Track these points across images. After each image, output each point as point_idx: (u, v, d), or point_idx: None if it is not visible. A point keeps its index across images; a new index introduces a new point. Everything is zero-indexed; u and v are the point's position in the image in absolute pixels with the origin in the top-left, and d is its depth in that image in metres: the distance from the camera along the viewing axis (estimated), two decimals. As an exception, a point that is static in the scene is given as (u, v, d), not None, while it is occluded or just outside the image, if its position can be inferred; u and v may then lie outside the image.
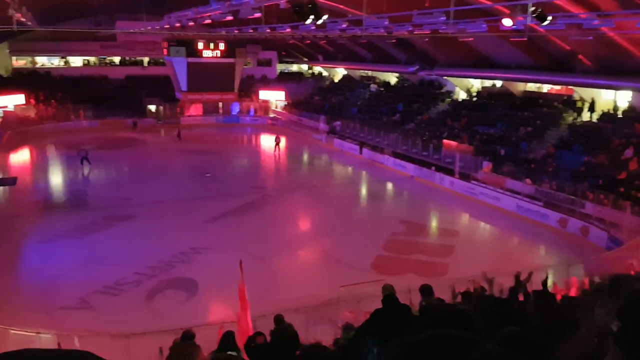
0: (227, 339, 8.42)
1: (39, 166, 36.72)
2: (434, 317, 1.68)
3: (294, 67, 65.92)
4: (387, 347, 1.36)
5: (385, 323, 5.58)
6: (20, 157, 38.37)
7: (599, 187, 22.61)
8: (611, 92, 29.90)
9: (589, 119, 30.52)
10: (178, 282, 17.17)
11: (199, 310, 15.22)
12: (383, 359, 1.30)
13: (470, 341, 1.25)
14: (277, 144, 39.40)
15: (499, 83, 37.61)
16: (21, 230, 22.24)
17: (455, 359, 1.19)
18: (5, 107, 44.35)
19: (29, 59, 54.03)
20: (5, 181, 29.77)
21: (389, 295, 6.79)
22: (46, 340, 11.67)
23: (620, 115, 29.05)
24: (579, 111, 31.15)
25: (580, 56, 28.22)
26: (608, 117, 29.37)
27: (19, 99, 45.60)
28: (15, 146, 38.99)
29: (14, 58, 52.72)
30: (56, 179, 32.31)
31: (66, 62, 55.56)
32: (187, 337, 8.50)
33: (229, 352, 7.76)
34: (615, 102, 29.97)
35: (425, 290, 7.05)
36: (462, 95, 40.71)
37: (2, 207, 26.65)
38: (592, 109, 30.42)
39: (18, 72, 52.28)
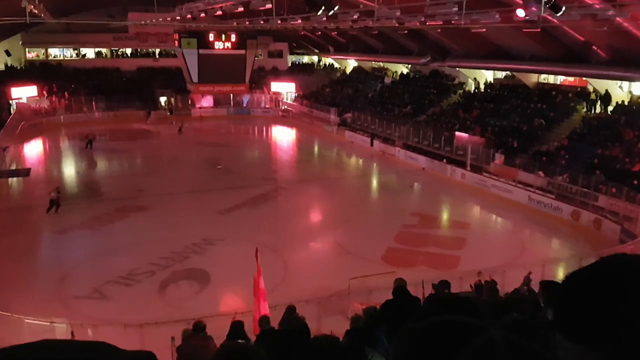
0: (237, 329, 8.48)
1: (53, 157, 37.06)
2: (437, 305, 1.68)
3: (305, 59, 65.78)
4: (394, 337, 1.37)
5: (396, 314, 5.60)
6: (34, 148, 38.72)
7: (612, 179, 22.39)
8: (625, 83, 29.56)
9: (602, 111, 30.20)
10: (191, 273, 17.30)
11: (212, 301, 15.33)
12: (392, 348, 1.30)
13: (476, 327, 1.25)
14: (89, 140, 35.68)
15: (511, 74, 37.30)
16: (35, 221, 22.48)
17: (460, 345, 1.19)
18: (19, 98, 44.73)
19: (42, 50, 54.36)
20: (19, 172, 30.08)
21: (399, 286, 6.82)
22: (60, 329, 11.83)
23: (634, 107, 28.71)
24: (593, 103, 30.84)
25: (594, 47, 27.88)
26: (622, 109, 29.05)
27: (32, 90, 45.97)
28: (28, 137, 39.30)
29: (27, 50, 53.07)
30: (69, 170, 32.58)
31: (79, 54, 55.87)
32: (198, 328, 8.57)
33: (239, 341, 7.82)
34: (630, 93, 29.65)
35: (442, 284, 7.07)
36: (474, 87, 40.46)
37: (17, 197, 26.94)
38: (606, 100, 30.10)
39: (31, 64, 52.64)
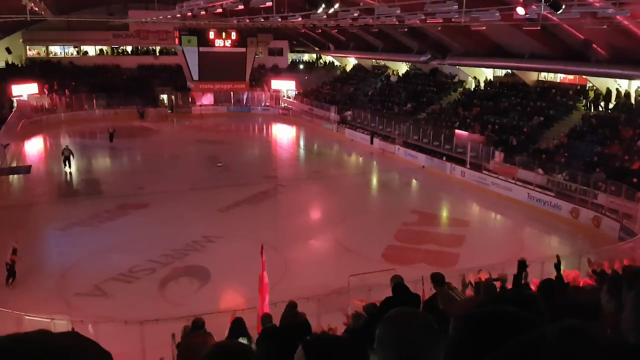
0: (238, 326, 8.50)
1: (53, 155, 37.04)
2: (499, 301, 1.71)
3: (305, 57, 65.72)
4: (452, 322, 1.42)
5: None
6: (35, 145, 38.75)
7: (611, 177, 22.42)
8: (625, 81, 29.56)
9: (602, 109, 30.21)
10: (191, 270, 17.36)
11: (212, 298, 15.41)
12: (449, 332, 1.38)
13: (529, 321, 1.29)
14: (65, 157, 30.21)
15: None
16: (36, 218, 22.54)
17: (511, 334, 1.24)
18: (20, 96, 44.72)
19: (43, 48, 54.37)
20: (20, 169, 30.12)
21: (399, 283, 6.86)
22: (61, 326, 11.88)
23: (634, 105, 28.71)
24: (593, 101, 30.83)
25: (594, 45, 27.86)
26: (622, 106, 29.05)
27: (32, 88, 45.95)
28: (29, 135, 39.37)
29: (27, 47, 53.06)
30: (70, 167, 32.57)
31: (79, 52, 55.88)
32: (197, 325, 8.61)
33: (240, 339, 7.86)
34: (629, 91, 29.65)
35: (437, 279, 7.09)
36: (474, 85, 40.45)
37: (18, 195, 26.98)
38: (606, 98, 30.11)
39: (32, 62, 52.66)
